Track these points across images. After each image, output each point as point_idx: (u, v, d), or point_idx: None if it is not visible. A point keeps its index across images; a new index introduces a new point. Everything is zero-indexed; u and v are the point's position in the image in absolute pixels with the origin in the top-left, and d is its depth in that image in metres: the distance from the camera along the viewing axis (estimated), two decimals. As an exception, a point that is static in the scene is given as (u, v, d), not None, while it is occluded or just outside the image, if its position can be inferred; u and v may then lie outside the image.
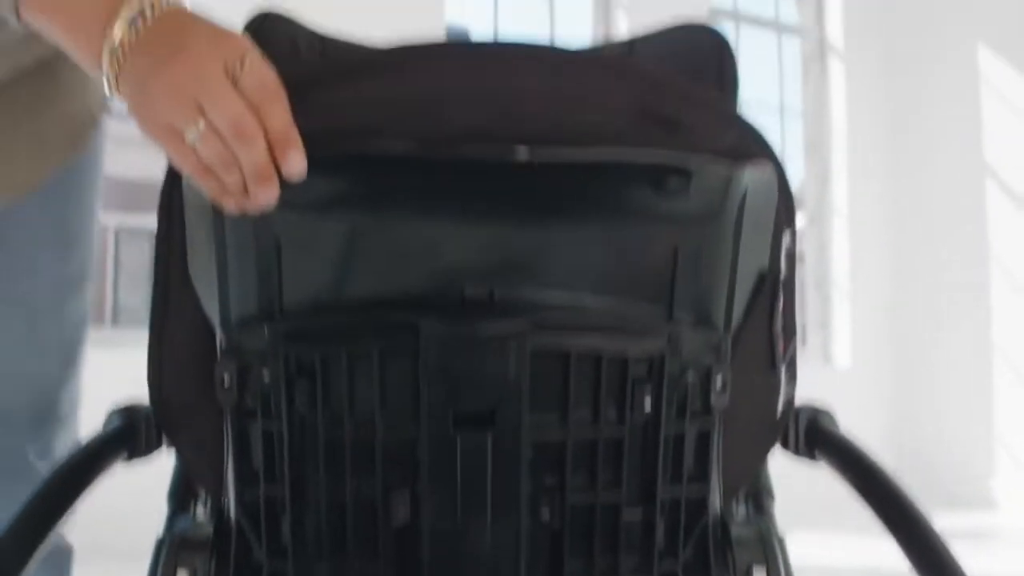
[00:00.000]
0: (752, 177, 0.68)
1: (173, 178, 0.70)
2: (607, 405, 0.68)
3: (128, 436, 0.79)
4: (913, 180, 5.36)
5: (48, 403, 0.94)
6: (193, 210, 0.70)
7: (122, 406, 0.83)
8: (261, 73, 0.62)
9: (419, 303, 0.66)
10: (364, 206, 0.66)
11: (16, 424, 0.91)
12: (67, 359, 0.98)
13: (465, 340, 0.64)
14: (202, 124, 0.61)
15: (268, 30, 1.02)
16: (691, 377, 0.70)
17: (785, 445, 0.85)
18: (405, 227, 0.67)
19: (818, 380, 4.94)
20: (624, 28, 4.69)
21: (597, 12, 4.86)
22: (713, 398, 0.71)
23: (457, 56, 0.64)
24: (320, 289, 0.69)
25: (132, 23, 0.63)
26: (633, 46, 1.14)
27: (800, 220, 4.59)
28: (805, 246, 5.47)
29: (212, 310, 0.71)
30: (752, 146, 0.67)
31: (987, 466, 4.93)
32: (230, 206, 0.63)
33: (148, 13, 0.63)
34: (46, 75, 0.93)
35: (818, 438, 0.84)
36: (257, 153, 0.61)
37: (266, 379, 0.68)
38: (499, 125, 0.61)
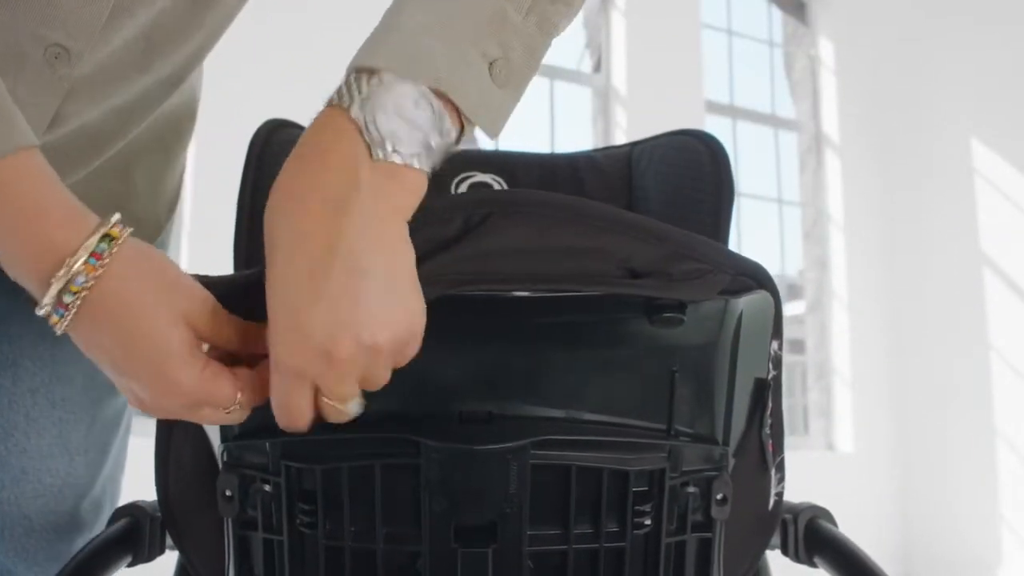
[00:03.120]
0: (748, 299, 0.69)
1: None
2: (608, 518, 0.68)
3: (133, 538, 0.80)
4: (911, 268, 5.41)
5: (67, 509, 0.92)
6: None
7: (128, 505, 0.84)
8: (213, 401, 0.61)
9: (417, 420, 0.67)
10: None
11: (34, 529, 0.89)
12: (94, 461, 0.95)
13: (466, 456, 0.65)
14: None
15: (277, 137, 1.06)
16: (692, 489, 0.71)
17: (785, 551, 0.86)
18: None
19: (821, 467, 4.95)
20: (623, 122, 4.77)
21: (596, 106, 4.96)
22: (714, 510, 0.71)
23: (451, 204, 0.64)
24: None
25: (60, 299, 0.58)
26: (632, 150, 1.17)
27: (800, 307, 4.59)
28: (805, 333, 5.49)
29: (212, 427, 0.72)
30: (748, 283, 0.68)
31: (994, 553, 4.88)
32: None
33: (76, 292, 0.57)
34: (120, 178, 0.91)
35: (817, 542, 0.84)
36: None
37: (267, 490, 0.68)
38: (488, 269, 0.62)
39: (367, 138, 0.57)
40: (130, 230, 0.60)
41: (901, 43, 5.58)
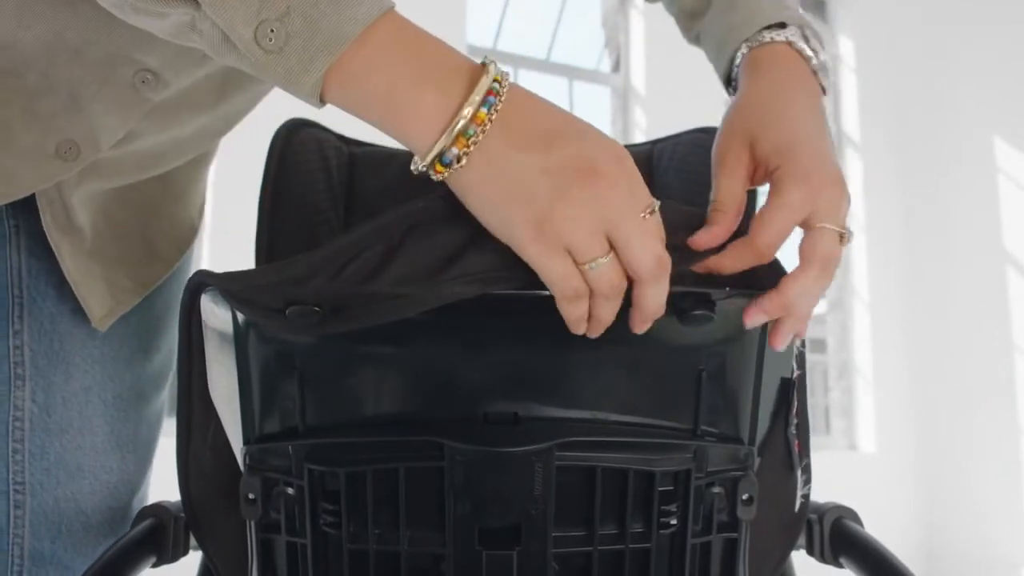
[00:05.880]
0: None
1: (192, 297, 0.69)
2: (633, 518, 0.68)
3: (157, 539, 0.80)
4: (933, 267, 5.37)
5: (122, 505, 0.92)
6: (212, 332, 0.70)
7: (152, 505, 0.84)
8: (659, 223, 0.60)
9: (443, 422, 0.67)
10: (388, 337, 0.67)
11: (92, 525, 0.90)
12: (144, 458, 0.96)
13: (491, 458, 0.64)
14: (610, 257, 0.59)
15: (298, 136, 1.07)
16: (717, 489, 0.70)
17: (810, 551, 0.85)
18: (428, 354, 0.67)
19: (843, 466, 4.91)
20: (642, 121, 4.76)
21: (615, 105, 4.94)
22: (740, 510, 0.71)
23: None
24: (343, 409, 0.69)
25: (486, 101, 0.57)
26: (652, 148, 1.16)
27: (821, 306, 4.55)
28: (827, 333, 5.46)
29: (233, 428, 0.72)
30: (769, 272, 0.68)
31: (1019, 552, 4.84)
32: (583, 330, 0.62)
33: (500, 89, 0.58)
34: (159, 182, 0.92)
35: (843, 543, 0.83)
36: (662, 291, 0.61)
37: (290, 493, 0.68)
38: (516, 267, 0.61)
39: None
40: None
41: (922, 41, 5.54)
